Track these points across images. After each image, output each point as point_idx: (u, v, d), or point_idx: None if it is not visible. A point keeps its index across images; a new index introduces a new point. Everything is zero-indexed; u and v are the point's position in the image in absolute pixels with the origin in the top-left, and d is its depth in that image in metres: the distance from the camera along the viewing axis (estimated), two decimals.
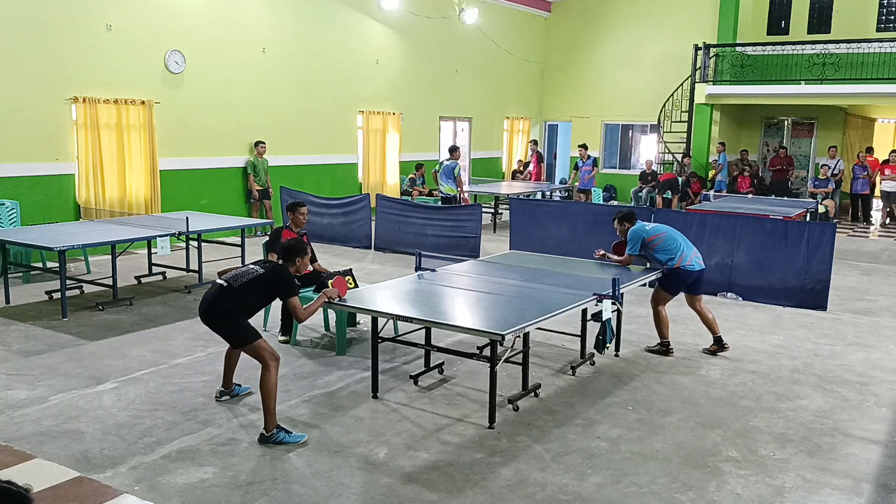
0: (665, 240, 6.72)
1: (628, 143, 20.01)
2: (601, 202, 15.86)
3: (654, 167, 17.78)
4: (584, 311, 6.08)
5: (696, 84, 16.87)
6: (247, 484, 4.31)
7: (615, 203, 17.48)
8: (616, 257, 7.10)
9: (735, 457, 4.80)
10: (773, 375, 6.36)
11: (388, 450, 4.78)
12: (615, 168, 19.82)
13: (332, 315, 7.23)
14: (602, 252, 7.31)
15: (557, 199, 16.80)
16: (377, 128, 15.34)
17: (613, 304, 5.85)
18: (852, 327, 7.93)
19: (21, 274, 9.17)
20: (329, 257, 10.62)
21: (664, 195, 15.97)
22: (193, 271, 9.29)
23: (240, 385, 5.65)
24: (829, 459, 4.79)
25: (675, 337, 7.10)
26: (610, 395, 5.82)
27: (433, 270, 6.49)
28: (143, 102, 11.08)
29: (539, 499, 4.22)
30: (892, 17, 17.08)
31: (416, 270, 6.47)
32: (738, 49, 17.10)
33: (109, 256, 8.10)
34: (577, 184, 17.08)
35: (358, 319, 7.48)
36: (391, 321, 6.16)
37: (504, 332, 4.67)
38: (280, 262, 5.19)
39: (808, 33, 17.62)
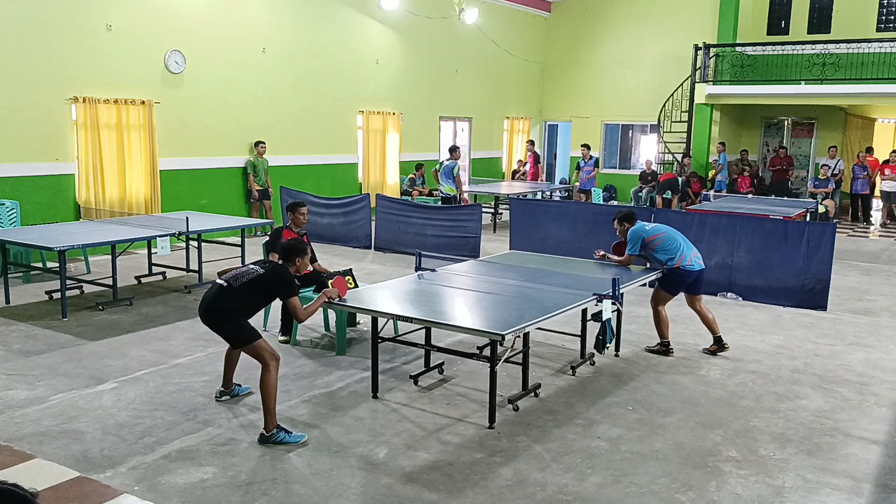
0: (665, 240, 6.72)
1: (628, 143, 20.01)
2: (601, 202, 15.85)
3: (654, 167, 17.78)
4: (584, 311, 6.08)
5: (696, 84, 16.87)
6: (247, 484, 4.31)
7: (615, 203, 17.48)
8: (616, 257, 7.10)
9: (735, 457, 4.80)
10: (773, 375, 6.36)
11: (388, 450, 4.78)
12: (615, 168, 19.82)
13: (332, 315, 7.23)
14: (602, 252, 7.31)
15: (557, 199, 16.80)
16: (377, 128, 15.34)
17: (613, 304, 5.85)
18: (852, 327, 7.93)
19: (21, 274, 9.17)
20: (329, 257, 10.62)
21: (664, 195, 15.96)
22: (193, 271, 9.29)
23: (240, 385, 5.65)
24: (829, 459, 4.79)
25: (675, 337, 7.10)
26: (610, 395, 5.82)
27: (433, 270, 6.49)
28: (143, 102, 11.09)
29: (539, 499, 4.22)
30: (892, 17, 17.09)
31: (416, 270, 6.47)
32: (738, 49, 17.11)
33: (109, 256, 8.10)
34: (576, 183, 17.08)
35: (358, 319, 7.48)
36: (391, 321, 6.16)
37: (504, 332, 4.67)
38: (280, 262, 5.19)
39: (808, 33, 17.62)
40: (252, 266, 5.14)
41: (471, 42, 17.53)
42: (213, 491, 4.23)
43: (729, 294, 9.10)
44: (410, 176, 15.70)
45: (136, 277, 9.27)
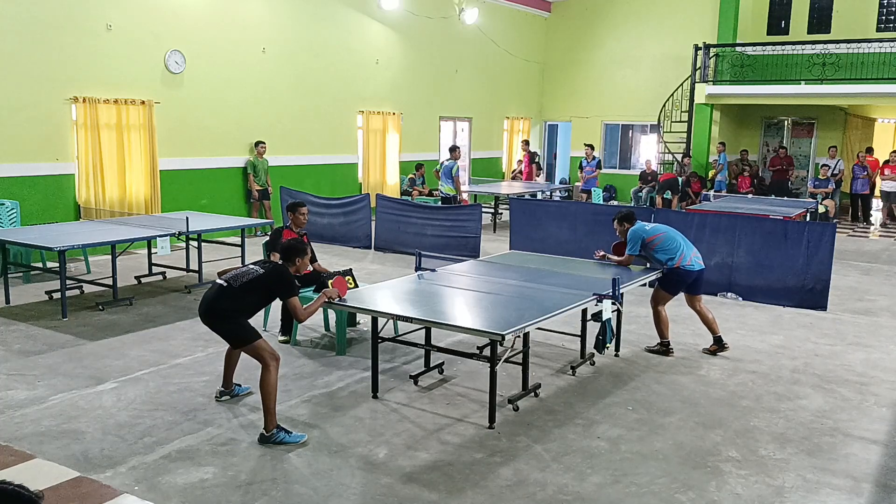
0: (665, 240, 6.72)
1: (628, 143, 20.01)
2: (601, 202, 15.85)
3: (654, 167, 17.79)
4: (584, 311, 6.08)
5: (696, 84, 16.87)
6: (247, 484, 4.31)
7: (615, 203, 17.48)
8: (616, 258, 7.10)
9: (735, 457, 4.80)
10: (773, 375, 6.36)
11: (388, 450, 4.78)
12: (615, 168, 19.82)
13: (332, 315, 7.23)
14: (602, 253, 7.31)
15: (557, 199, 16.80)
16: (377, 128, 15.34)
17: (613, 304, 5.86)
18: (852, 327, 7.93)
19: (21, 274, 9.18)
20: (329, 257, 10.62)
21: (664, 195, 15.96)
22: (193, 271, 9.29)
23: (240, 385, 5.65)
24: (829, 459, 4.79)
25: (675, 337, 7.10)
26: (610, 395, 5.82)
27: (433, 270, 6.49)
28: (143, 102, 11.09)
29: (539, 499, 4.22)
30: (892, 17, 17.09)
31: (416, 270, 6.47)
32: (738, 49, 17.11)
33: (109, 256, 8.10)
34: (577, 183, 17.07)
35: (358, 319, 7.48)
36: (391, 321, 6.16)
37: (504, 332, 4.67)
38: (280, 262, 5.20)
39: (808, 33, 17.62)
40: (252, 266, 5.14)
41: (471, 42, 17.53)
42: (213, 491, 4.23)
43: (729, 294, 9.10)
44: (410, 176, 15.70)
45: (136, 277, 9.27)
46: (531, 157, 18.47)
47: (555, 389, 5.91)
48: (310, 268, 6.48)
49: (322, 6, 13.89)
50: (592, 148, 17.11)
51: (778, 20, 18.30)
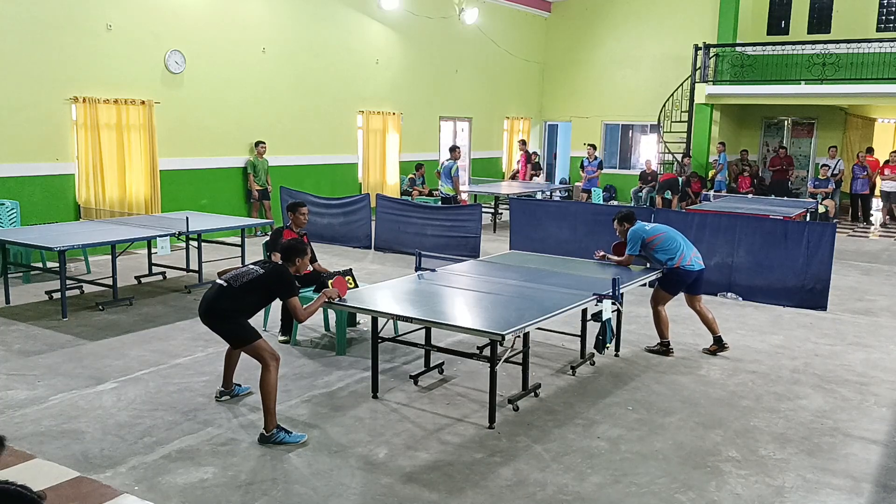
0: (665, 240, 6.72)
1: (628, 143, 20.01)
2: (601, 202, 15.85)
3: (654, 167, 17.78)
4: (584, 311, 6.08)
5: (696, 84, 16.87)
6: (247, 484, 4.31)
7: (615, 203, 17.48)
8: (616, 258, 7.10)
9: (735, 457, 4.80)
10: (773, 375, 6.36)
11: (388, 450, 4.78)
12: (615, 168, 19.82)
13: (332, 315, 7.23)
14: (602, 253, 7.31)
15: (557, 199, 16.80)
16: (377, 128, 15.34)
17: (613, 304, 5.86)
18: (852, 327, 7.93)
19: (21, 274, 9.17)
20: (329, 257, 10.62)
21: (664, 195, 15.97)
22: (193, 271, 9.29)
23: (240, 385, 5.65)
24: (829, 459, 4.79)
25: (675, 337, 7.10)
26: (610, 395, 5.82)
27: (433, 270, 6.49)
28: (143, 102, 11.09)
29: (539, 499, 4.22)
30: (892, 17, 17.09)
31: (416, 270, 6.47)
32: (738, 49, 17.10)
33: (109, 256, 8.10)
34: (577, 183, 17.07)
35: (358, 319, 7.48)
36: (391, 321, 6.16)
37: (504, 332, 4.67)
38: (280, 262, 5.20)
39: (808, 33, 17.62)
40: (252, 266, 5.14)
41: (471, 42, 17.53)
42: (213, 491, 4.23)
43: (729, 294, 9.09)
44: (410, 176, 15.70)
45: (136, 277, 9.27)
46: (527, 156, 18.48)
47: (555, 389, 5.91)
48: (310, 268, 6.48)
49: (322, 6, 13.89)
50: (594, 147, 17.10)
51: (778, 20, 18.30)
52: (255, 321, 5.24)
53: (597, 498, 4.25)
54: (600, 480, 4.45)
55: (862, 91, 15.14)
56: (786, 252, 8.76)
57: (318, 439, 4.90)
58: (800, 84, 15.75)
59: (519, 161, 18.65)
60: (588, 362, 6.53)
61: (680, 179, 16.22)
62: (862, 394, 5.97)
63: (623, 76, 19.16)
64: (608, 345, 5.95)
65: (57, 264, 7.95)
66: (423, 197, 14.98)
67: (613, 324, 6.07)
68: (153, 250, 9.21)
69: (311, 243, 6.89)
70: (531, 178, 18.19)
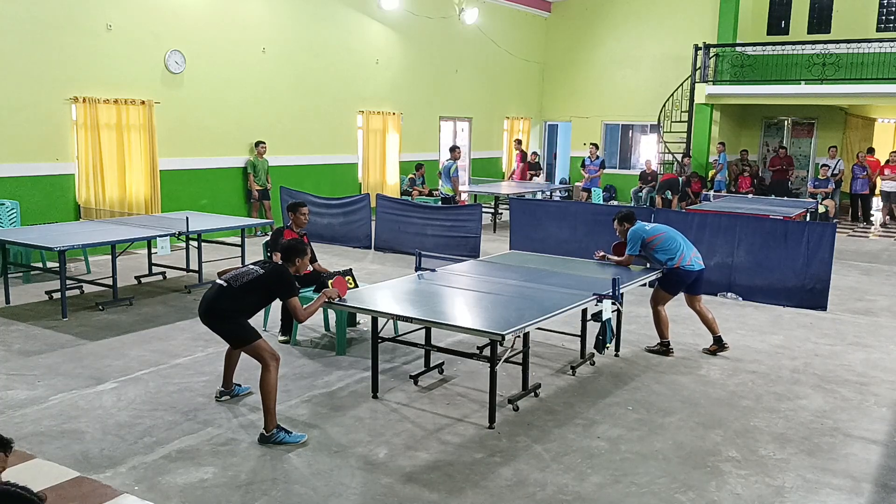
0: (665, 240, 6.72)
1: (628, 143, 20.01)
2: (601, 202, 15.85)
3: (654, 167, 17.78)
4: (584, 311, 6.08)
5: (696, 84, 16.87)
6: (247, 484, 4.31)
7: (615, 203, 17.49)
8: (616, 258, 7.10)
9: (735, 457, 4.80)
10: (773, 375, 6.36)
11: (388, 450, 4.78)
12: (615, 168, 19.82)
13: (332, 315, 7.23)
14: (602, 253, 7.31)
15: (557, 199, 16.80)
16: (377, 128, 15.34)
17: (613, 304, 5.86)
18: (852, 327, 7.93)
19: (21, 274, 9.17)
20: (329, 257, 10.62)
21: (664, 195, 15.97)
22: (193, 271, 9.29)
23: (240, 385, 5.65)
24: (829, 459, 4.79)
25: (675, 337, 7.10)
26: (610, 395, 5.82)
27: (433, 270, 6.49)
28: (143, 102, 11.09)
29: (539, 499, 4.22)
30: (892, 17, 17.09)
31: (416, 270, 6.47)
32: (738, 49, 17.11)
33: (109, 256, 8.10)
34: (577, 183, 17.06)
35: (358, 319, 7.48)
36: (391, 321, 6.16)
37: (504, 332, 4.67)
38: (280, 262, 5.20)
39: (808, 33, 17.62)
40: (252, 266, 5.14)
41: (471, 42, 17.53)
42: (213, 491, 4.23)
43: (729, 294, 9.09)
44: (410, 176, 15.70)
45: (136, 277, 9.27)
46: (523, 155, 18.46)
47: (555, 389, 5.91)
48: (310, 268, 6.48)
49: (322, 6, 13.89)
50: (596, 147, 17.09)
51: (778, 20, 18.30)
52: (255, 321, 5.24)
53: (597, 498, 4.25)
54: (600, 480, 4.45)
55: (862, 91, 15.14)
56: (786, 252, 8.76)
57: (318, 439, 4.90)
58: (800, 84, 15.75)
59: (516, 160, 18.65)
60: (588, 362, 6.53)
61: (680, 179, 16.22)
62: (862, 394, 5.97)
63: (623, 76, 19.16)
64: (608, 345, 5.95)
65: (57, 264, 7.95)
66: (423, 197, 14.98)
67: (613, 324, 6.07)
68: (153, 250, 9.21)
69: (311, 243, 6.89)
70: (531, 178, 18.18)
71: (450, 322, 5.15)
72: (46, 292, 8.44)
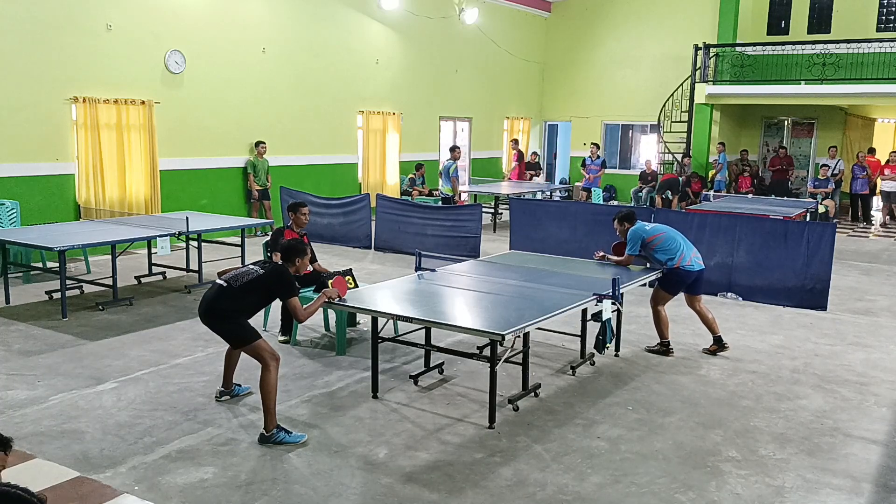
0: (665, 240, 6.72)
1: (628, 143, 20.02)
2: (601, 202, 15.85)
3: (654, 167, 17.79)
4: (584, 311, 6.08)
5: (696, 84, 16.87)
6: (247, 484, 4.31)
7: (615, 203, 17.48)
8: (615, 258, 7.10)
9: (735, 457, 4.80)
10: (773, 375, 6.36)
11: (388, 450, 4.78)
12: (615, 168, 19.82)
13: (332, 315, 7.23)
14: (601, 253, 7.30)
15: (557, 199, 16.80)
16: (377, 128, 15.34)
17: (613, 304, 5.86)
18: (852, 327, 7.93)
19: (21, 274, 9.17)
20: (329, 257, 10.62)
21: (664, 195, 15.97)
22: (193, 271, 9.29)
23: (240, 385, 5.65)
24: (829, 459, 4.79)
25: (675, 337, 7.10)
26: (610, 395, 5.82)
27: (433, 270, 6.49)
28: (143, 102, 11.09)
29: (539, 499, 4.22)
30: (892, 17, 17.08)
31: (416, 270, 6.47)
32: (738, 49, 17.10)
33: (109, 256, 8.10)
34: (577, 183, 17.06)
35: (358, 319, 7.47)
36: (391, 321, 6.16)
37: (504, 332, 4.67)
38: (280, 262, 5.20)
39: (808, 33, 17.62)
40: (252, 266, 5.14)
41: (471, 42, 17.53)
42: (213, 491, 4.23)
43: (729, 294, 9.09)
44: (410, 176, 15.70)
45: (136, 277, 9.27)
46: (519, 155, 18.46)
47: (555, 389, 5.91)
48: (310, 268, 6.48)
49: (322, 6, 13.89)
50: (598, 146, 17.08)
51: (778, 20, 18.30)
52: (255, 321, 5.24)
53: (597, 498, 4.25)
54: (600, 480, 4.45)
55: (862, 91, 15.14)
56: (786, 252, 8.76)
57: (318, 439, 4.90)
58: (800, 84, 15.75)
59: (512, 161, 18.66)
60: (588, 362, 6.53)
61: (680, 179, 16.22)
62: (862, 394, 5.97)
63: (623, 76, 19.16)
64: (608, 345, 5.96)
65: (57, 264, 7.95)
66: (423, 197, 14.99)
67: (613, 324, 6.07)
68: (153, 250, 9.21)
69: (311, 243, 6.88)
70: (531, 178, 18.18)
71: (450, 322, 5.15)
72: (46, 292, 8.45)
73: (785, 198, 15.17)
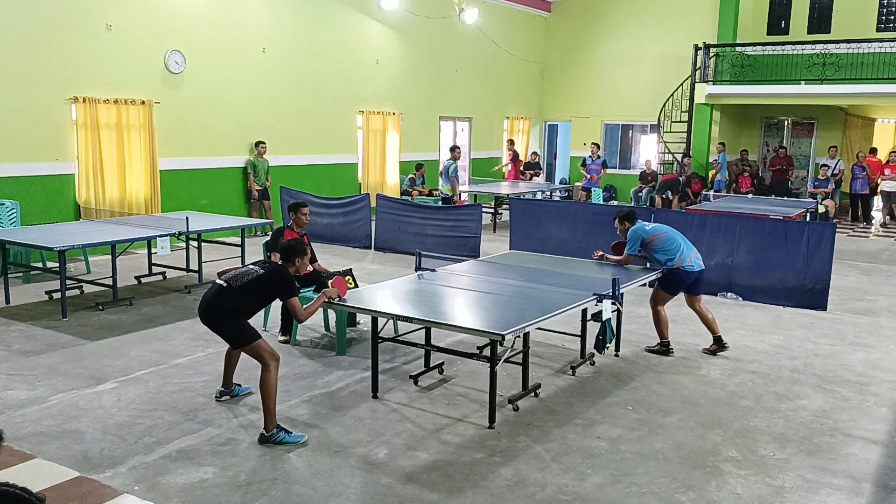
0: (665, 240, 6.72)
1: (628, 143, 20.02)
2: (601, 202, 15.85)
3: (654, 167, 17.78)
4: (584, 311, 6.08)
5: (696, 84, 16.87)
6: (247, 484, 4.31)
7: (615, 203, 17.48)
8: (615, 257, 7.10)
9: (735, 457, 4.80)
10: (773, 375, 6.36)
11: (388, 450, 4.78)
12: (615, 168, 19.82)
13: (332, 315, 7.23)
14: (601, 253, 7.30)
15: (557, 199, 16.80)
16: (377, 128, 15.34)
17: (613, 304, 5.86)
18: (852, 327, 7.93)
19: (21, 274, 9.17)
20: (329, 257, 10.62)
21: (664, 195, 15.97)
22: (193, 271, 9.29)
23: (240, 385, 5.65)
24: (829, 459, 4.79)
25: (675, 337, 7.10)
26: (610, 395, 5.82)
27: (433, 270, 6.49)
28: (143, 102, 11.09)
29: (539, 499, 4.22)
30: (892, 17, 17.08)
31: (416, 270, 6.47)
32: (738, 49, 17.10)
33: (109, 256, 8.10)
34: (577, 183, 17.05)
35: (358, 319, 7.48)
36: (391, 321, 6.16)
37: (504, 332, 4.67)
38: (280, 262, 5.20)
39: (808, 33, 17.62)
40: (252, 266, 5.14)
41: (471, 42, 17.53)
42: (213, 491, 4.23)
43: (729, 294, 9.09)
44: (410, 176, 15.70)
45: (136, 277, 9.27)
46: (514, 155, 18.45)
47: (555, 389, 5.91)
48: (310, 268, 6.48)
49: (322, 6, 13.89)
50: (598, 146, 17.08)
51: (778, 20, 18.30)
52: (255, 321, 5.24)
53: (597, 498, 4.25)
54: (600, 480, 4.45)
55: (862, 91, 15.14)
56: (786, 252, 8.76)
57: (318, 439, 4.90)
58: (800, 84, 15.74)
59: (508, 163, 18.64)
60: (588, 362, 6.53)
61: (680, 179, 16.22)
62: (862, 394, 5.97)
63: (623, 76, 19.16)
64: (608, 345, 5.96)
65: (57, 264, 7.95)
66: (423, 197, 14.99)
67: (613, 324, 6.07)
68: (153, 250, 9.21)
69: (311, 243, 6.89)
70: (531, 178, 18.18)
71: (450, 322, 5.15)
72: (46, 292, 8.45)
73: (785, 198, 15.16)
